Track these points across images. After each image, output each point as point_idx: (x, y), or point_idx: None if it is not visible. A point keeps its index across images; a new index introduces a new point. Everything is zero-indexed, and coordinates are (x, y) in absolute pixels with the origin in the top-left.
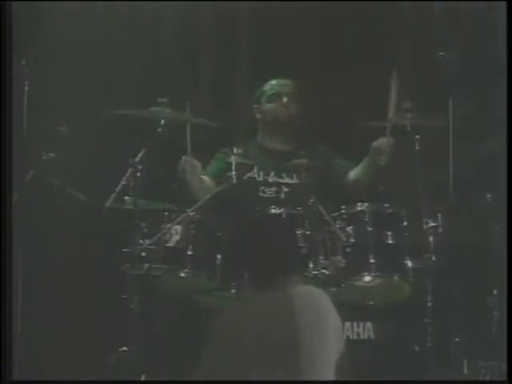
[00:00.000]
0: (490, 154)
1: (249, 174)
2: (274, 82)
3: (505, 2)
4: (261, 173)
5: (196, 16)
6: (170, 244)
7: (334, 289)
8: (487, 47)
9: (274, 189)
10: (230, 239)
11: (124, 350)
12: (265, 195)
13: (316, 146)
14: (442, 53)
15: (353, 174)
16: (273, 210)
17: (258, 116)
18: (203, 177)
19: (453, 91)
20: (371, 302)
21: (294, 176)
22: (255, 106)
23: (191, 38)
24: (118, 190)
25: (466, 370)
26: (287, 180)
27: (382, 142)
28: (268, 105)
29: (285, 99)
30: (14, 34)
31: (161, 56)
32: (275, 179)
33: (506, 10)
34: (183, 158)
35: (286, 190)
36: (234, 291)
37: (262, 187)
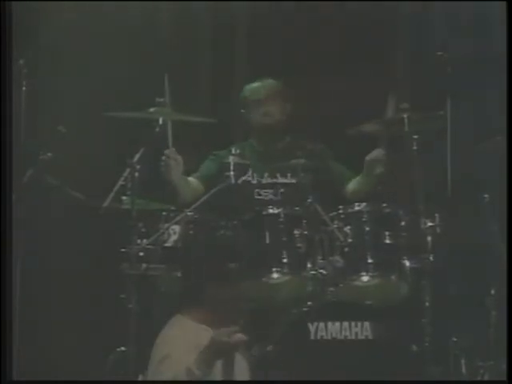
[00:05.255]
0: (489, 154)
1: (243, 178)
2: (254, 85)
3: (505, 2)
4: (255, 175)
5: (196, 16)
6: (168, 244)
7: (332, 289)
8: (487, 47)
9: (269, 190)
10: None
11: (122, 350)
12: (260, 197)
13: (313, 145)
14: (441, 53)
15: (352, 185)
16: (271, 210)
17: (246, 120)
18: (190, 178)
19: (452, 91)
20: (369, 302)
21: (289, 175)
22: (243, 110)
23: (191, 37)
24: (115, 190)
25: (464, 370)
26: (282, 180)
27: (374, 155)
28: (251, 111)
29: (265, 108)
30: (13, 34)
31: (159, 56)
32: (269, 180)
33: (506, 10)
34: (166, 151)
35: (281, 190)
36: None
37: (257, 190)
